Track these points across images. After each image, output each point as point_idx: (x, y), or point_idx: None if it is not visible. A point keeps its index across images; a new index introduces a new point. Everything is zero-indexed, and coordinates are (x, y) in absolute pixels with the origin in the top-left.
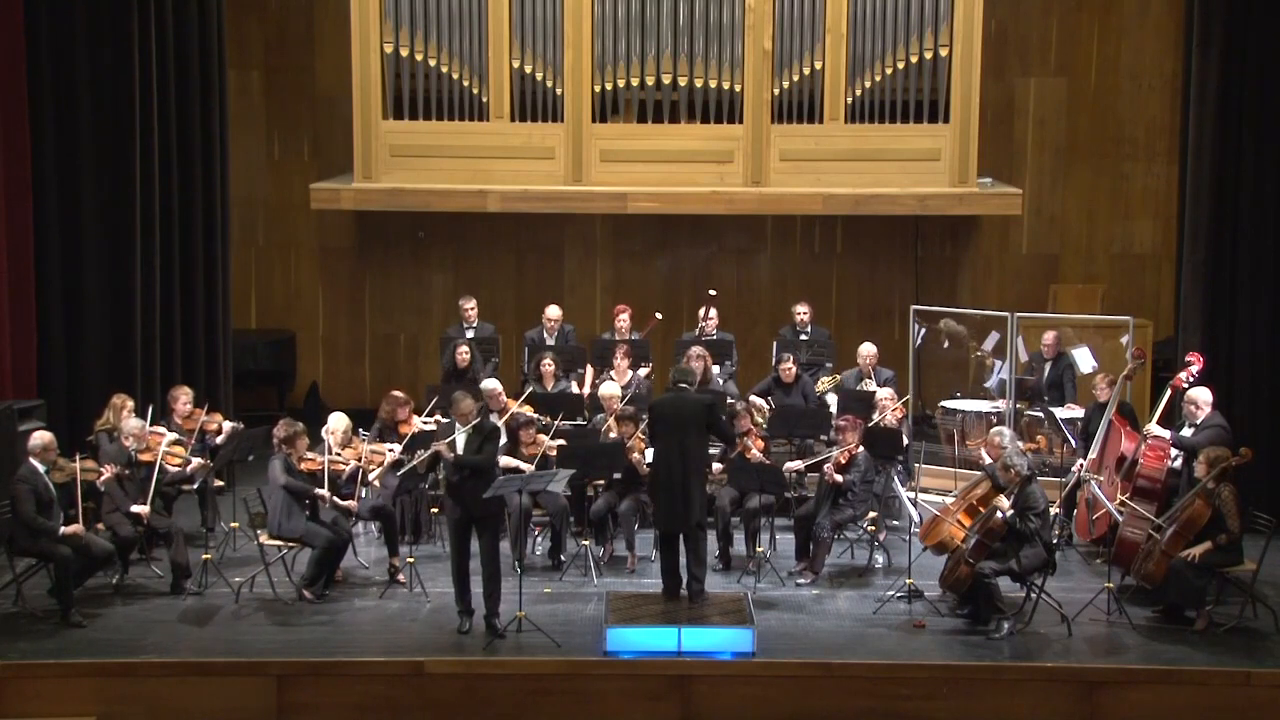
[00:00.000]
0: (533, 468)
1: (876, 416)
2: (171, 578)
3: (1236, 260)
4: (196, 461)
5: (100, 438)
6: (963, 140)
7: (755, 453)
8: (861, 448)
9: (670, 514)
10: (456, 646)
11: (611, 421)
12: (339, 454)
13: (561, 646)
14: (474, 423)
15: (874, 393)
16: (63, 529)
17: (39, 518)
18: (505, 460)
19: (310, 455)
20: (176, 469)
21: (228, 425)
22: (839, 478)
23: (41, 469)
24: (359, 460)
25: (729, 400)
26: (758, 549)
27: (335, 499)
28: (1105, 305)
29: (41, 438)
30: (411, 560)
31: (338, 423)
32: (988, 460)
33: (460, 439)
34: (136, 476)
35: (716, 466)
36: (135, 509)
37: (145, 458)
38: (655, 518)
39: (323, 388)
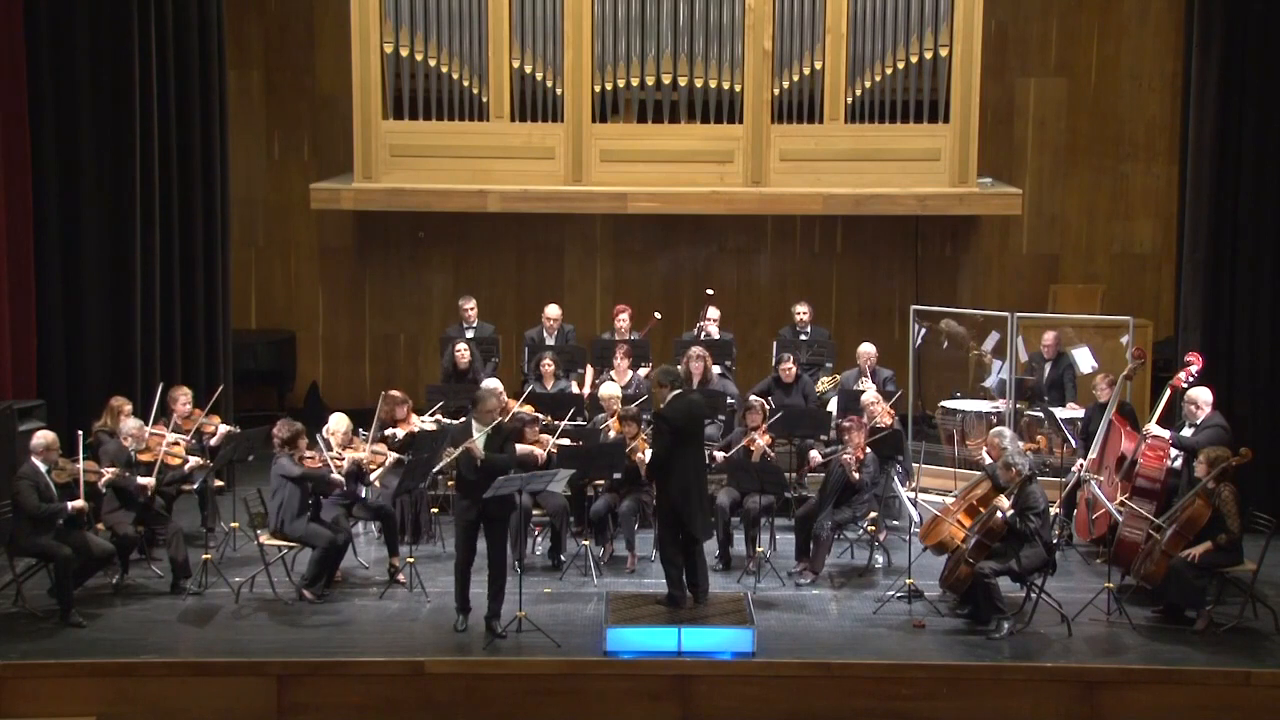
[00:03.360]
0: (545, 454)
1: (865, 421)
2: (171, 577)
3: (1236, 260)
4: (194, 461)
5: (100, 436)
6: (963, 140)
7: (760, 444)
8: (868, 448)
9: (702, 521)
10: (456, 646)
11: (612, 422)
12: (339, 453)
13: (561, 646)
14: (495, 422)
15: (862, 393)
16: (70, 504)
17: (44, 504)
18: (521, 447)
19: (309, 454)
20: (175, 467)
21: (223, 428)
22: (857, 475)
23: (43, 468)
24: (359, 457)
25: (729, 400)
26: (758, 549)
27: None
28: (1105, 305)
29: (44, 437)
30: (411, 560)
31: (338, 423)
32: (988, 460)
33: (480, 439)
34: (137, 475)
35: (815, 456)
36: (142, 481)
37: (145, 458)
38: (695, 528)
39: (323, 388)
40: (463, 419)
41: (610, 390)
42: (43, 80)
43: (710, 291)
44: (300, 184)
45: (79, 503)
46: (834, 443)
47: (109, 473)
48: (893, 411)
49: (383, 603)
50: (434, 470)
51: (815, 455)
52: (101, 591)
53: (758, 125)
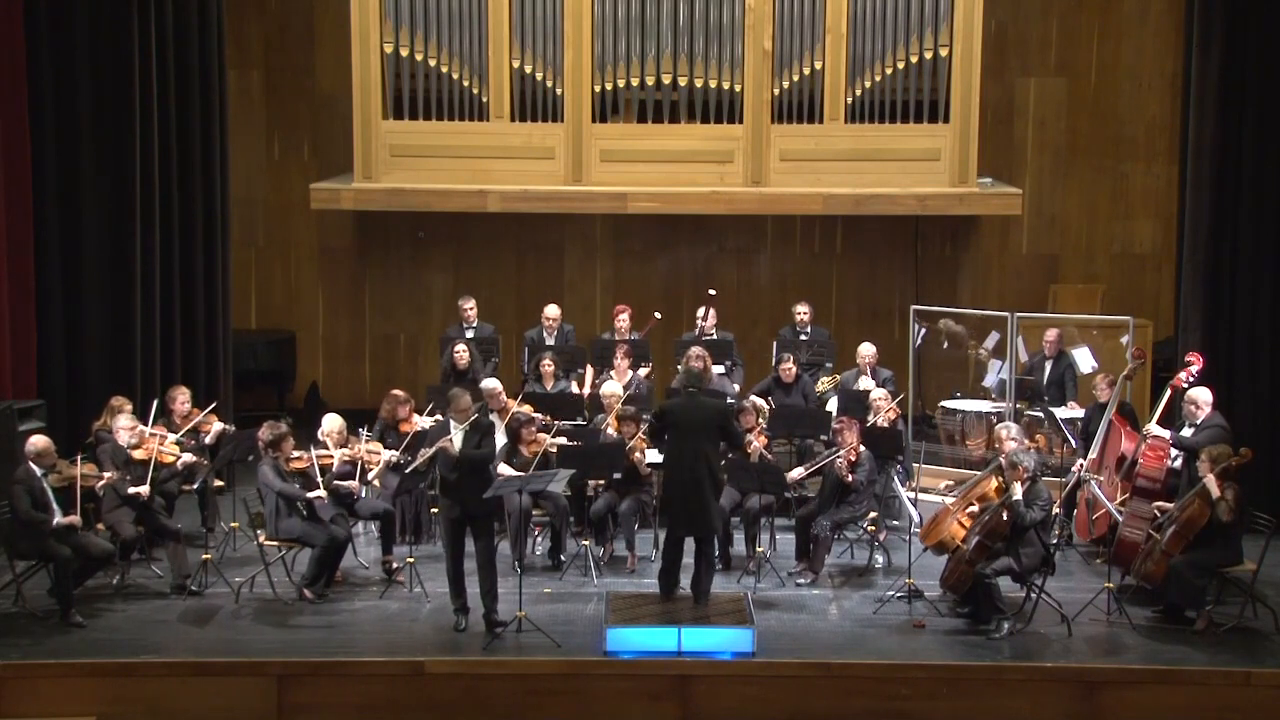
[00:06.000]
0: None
1: (871, 417)
2: (172, 578)
3: (1236, 260)
4: (188, 457)
5: (100, 435)
6: (963, 140)
7: (756, 445)
8: (864, 447)
9: (687, 519)
10: (456, 646)
11: (611, 420)
12: (328, 450)
13: (561, 646)
14: (471, 419)
15: (868, 392)
16: (58, 519)
17: (34, 511)
18: (502, 467)
19: (297, 454)
20: (170, 465)
21: (218, 426)
22: (850, 477)
23: (39, 472)
24: (355, 457)
25: (729, 400)
26: (758, 549)
27: (337, 482)
28: (1105, 305)
29: (38, 443)
30: (411, 560)
31: (332, 424)
32: (1007, 450)
33: (458, 437)
34: (134, 474)
35: (798, 472)
36: (133, 490)
37: (140, 455)
38: (671, 521)
39: (323, 388)
40: (440, 419)
41: (612, 388)
42: (43, 80)
43: (712, 292)
44: (300, 184)
45: (72, 519)
46: (833, 444)
47: (108, 476)
48: (898, 410)
49: (383, 603)
50: (408, 470)
51: (796, 473)
52: (101, 591)
53: (758, 125)
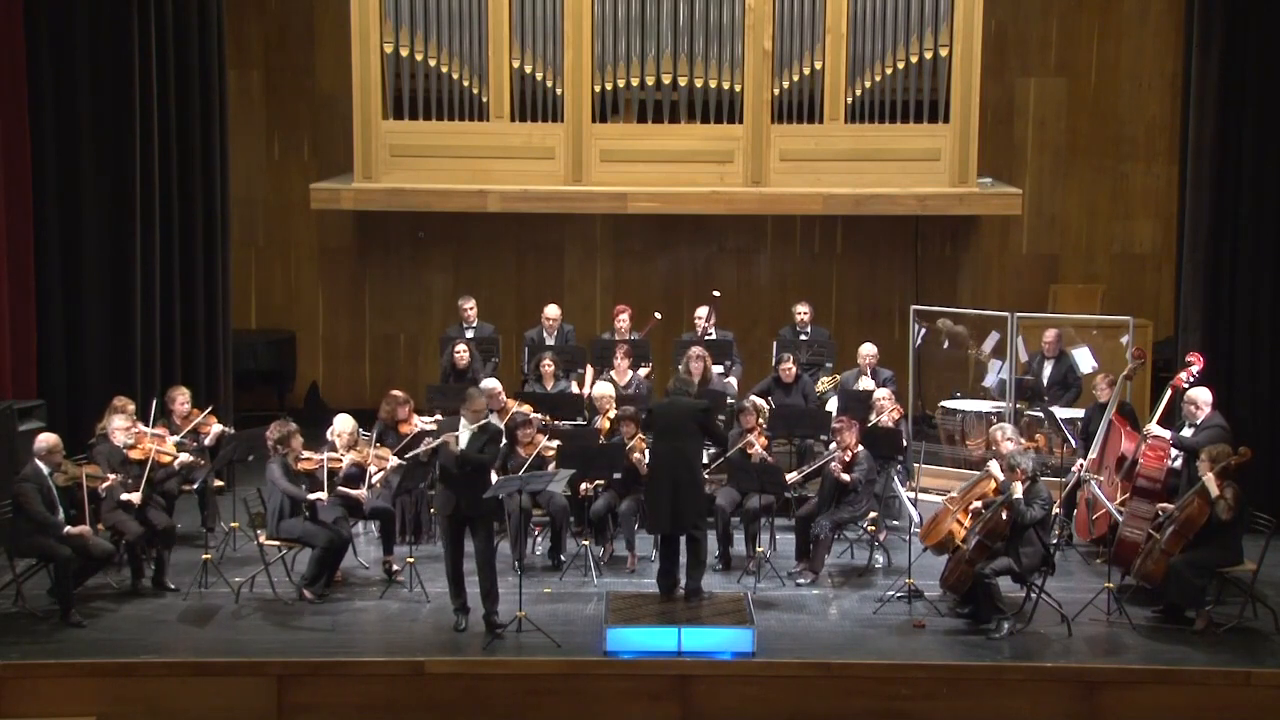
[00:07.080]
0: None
1: (874, 417)
2: (154, 573)
3: (1236, 260)
4: (184, 457)
5: (101, 434)
6: (963, 140)
7: (757, 448)
8: (862, 447)
9: (658, 516)
10: (456, 646)
11: (602, 421)
12: (337, 453)
13: (561, 646)
14: (481, 422)
15: (871, 392)
16: (69, 528)
17: (47, 513)
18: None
19: (307, 455)
20: (166, 465)
21: (217, 428)
22: (847, 476)
23: (46, 470)
24: (363, 460)
25: (729, 400)
26: (758, 549)
27: (342, 489)
28: (1105, 305)
29: (47, 440)
30: (411, 560)
31: (343, 424)
32: (1004, 451)
33: (465, 435)
34: (130, 474)
35: (792, 477)
36: (126, 497)
37: (136, 455)
38: (649, 518)
39: (323, 388)
40: (451, 416)
41: (603, 390)
42: (43, 80)
43: (716, 293)
44: (300, 184)
45: (83, 529)
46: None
47: (112, 479)
48: (902, 410)
49: (383, 603)
50: (408, 457)
51: (790, 477)
52: (102, 591)
53: (758, 125)
